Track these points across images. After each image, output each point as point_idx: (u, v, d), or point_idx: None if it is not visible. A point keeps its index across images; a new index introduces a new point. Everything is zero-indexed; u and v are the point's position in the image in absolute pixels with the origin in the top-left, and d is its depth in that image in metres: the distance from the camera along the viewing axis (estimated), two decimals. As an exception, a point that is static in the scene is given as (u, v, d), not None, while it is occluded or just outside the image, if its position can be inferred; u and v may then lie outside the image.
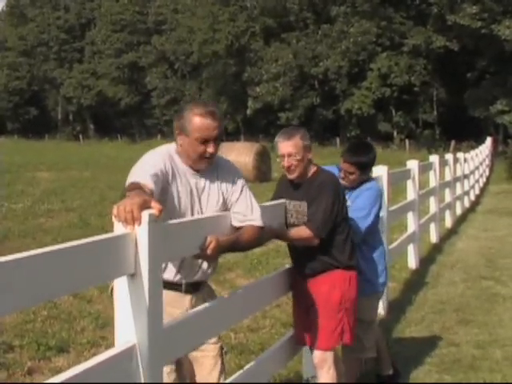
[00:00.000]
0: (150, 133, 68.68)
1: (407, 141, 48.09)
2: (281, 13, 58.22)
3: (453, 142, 42.49)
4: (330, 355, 4.62)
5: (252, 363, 4.54)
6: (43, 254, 2.35)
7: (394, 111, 52.86)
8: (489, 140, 35.22)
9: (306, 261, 4.66)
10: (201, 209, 3.66)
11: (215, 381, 3.81)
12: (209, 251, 3.41)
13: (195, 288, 3.74)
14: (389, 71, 50.87)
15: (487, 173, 29.50)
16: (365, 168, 5.27)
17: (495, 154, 38.22)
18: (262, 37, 59.27)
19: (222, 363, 3.89)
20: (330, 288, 4.60)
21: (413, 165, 10.58)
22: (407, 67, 50.41)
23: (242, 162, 24.05)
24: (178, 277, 3.65)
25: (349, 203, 4.99)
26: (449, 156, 16.11)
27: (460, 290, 8.87)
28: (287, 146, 4.50)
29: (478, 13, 43.81)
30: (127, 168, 3.62)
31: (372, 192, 5.25)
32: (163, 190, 3.46)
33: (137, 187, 3.12)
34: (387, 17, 51.58)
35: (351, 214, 4.94)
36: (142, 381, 2.79)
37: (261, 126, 58.49)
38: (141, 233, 2.78)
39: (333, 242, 4.58)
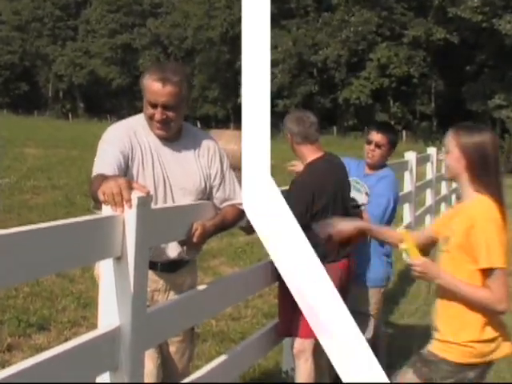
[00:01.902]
0: (140, 115, 68.39)
1: (404, 132, 48.02)
2: (281, -1, 58.10)
3: (450, 135, 42.38)
4: (308, 346, 4.57)
5: (232, 351, 4.53)
6: (29, 232, 2.31)
7: (391, 102, 52.88)
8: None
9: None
10: (170, 182, 3.53)
11: (186, 359, 3.80)
12: (195, 239, 3.36)
13: (173, 268, 3.63)
14: (388, 62, 50.88)
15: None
16: (393, 146, 5.25)
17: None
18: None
19: (192, 342, 3.88)
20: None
21: (411, 156, 10.51)
22: (406, 58, 50.44)
23: (230, 149, 23.60)
24: (153, 255, 3.44)
25: (366, 189, 4.95)
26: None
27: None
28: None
29: (479, 6, 43.86)
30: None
31: (389, 180, 5.22)
32: (127, 171, 3.43)
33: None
34: (388, 7, 51.63)
35: (371, 199, 4.94)
36: (124, 364, 2.78)
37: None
38: (129, 216, 2.75)
39: None
